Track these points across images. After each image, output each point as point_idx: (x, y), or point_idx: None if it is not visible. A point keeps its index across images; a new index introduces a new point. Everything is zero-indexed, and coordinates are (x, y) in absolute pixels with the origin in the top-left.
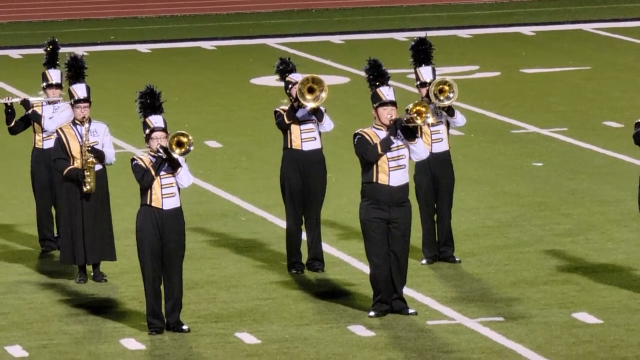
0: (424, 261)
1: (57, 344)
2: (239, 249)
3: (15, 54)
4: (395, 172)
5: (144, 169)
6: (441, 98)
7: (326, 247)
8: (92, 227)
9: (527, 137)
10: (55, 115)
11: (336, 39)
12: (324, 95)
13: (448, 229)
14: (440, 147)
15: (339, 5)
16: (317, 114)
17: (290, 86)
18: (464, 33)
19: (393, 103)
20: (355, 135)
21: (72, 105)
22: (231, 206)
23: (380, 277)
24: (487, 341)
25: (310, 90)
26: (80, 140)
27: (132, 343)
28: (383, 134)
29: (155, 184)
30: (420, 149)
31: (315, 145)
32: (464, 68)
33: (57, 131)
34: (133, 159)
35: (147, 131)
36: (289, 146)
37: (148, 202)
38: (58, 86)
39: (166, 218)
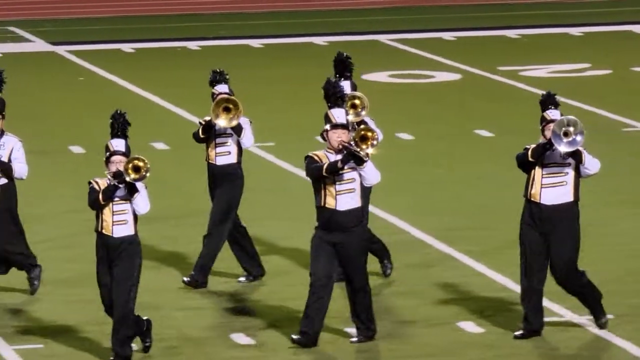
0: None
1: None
2: None
3: (127, 47)
4: (343, 196)
5: (96, 192)
6: (350, 112)
7: (436, 243)
8: None
9: (637, 136)
10: None
11: (448, 35)
12: (234, 122)
13: None
14: None
15: (450, 2)
16: (235, 129)
17: (215, 96)
18: (575, 31)
19: (344, 126)
20: (305, 157)
21: None
22: None
23: (311, 296)
24: (596, 339)
25: (226, 110)
26: None
27: (241, 338)
28: (333, 157)
29: (106, 210)
30: (370, 174)
31: (229, 159)
32: (575, 66)
33: None
34: (89, 182)
35: (107, 154)
36: (206, 159)
37: (99, 229)
38: None
39: (115, 247)
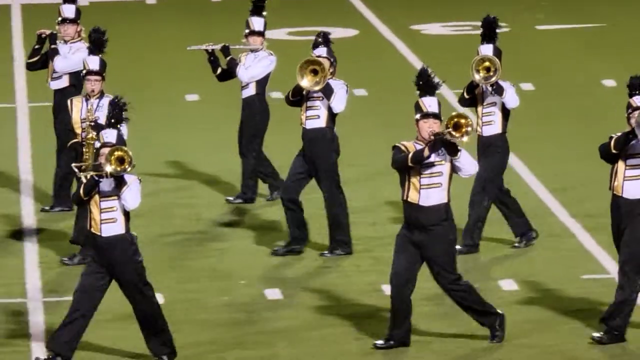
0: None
1: None
2: None
3: None
4: (427, 190)
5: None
6: (481, 74)
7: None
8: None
9: None
10: (253, 64)
11: None
12: (319, 86)
13: (474, 217)
14: (491, 130)
15: None
16: (324, 92)
17: None
18: None
19: (435, 116)
20: (393, 147)
21: (84, 77)
22: None
23: (394, 302)
24: None
25: (314, 72)
26: (82, 114)
27: None
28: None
29: (93, 208)
30: (466, 164)
31: (317, 123)
32: None
33: (68, 101)
34: (78, 177)
35: (98, 145)
36: (300, 123)
37: (88, 227)
38: (260, 34)
39: (105, 247)
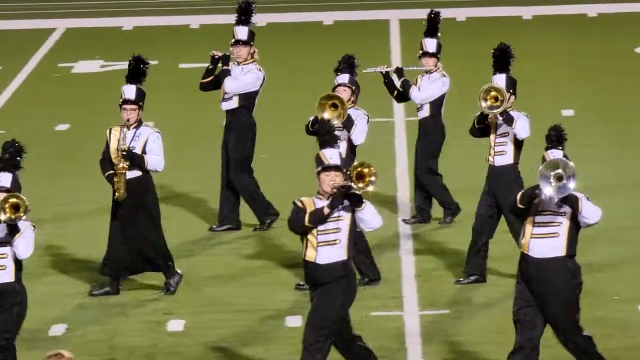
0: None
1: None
2: None
3: None
4: (325, 248)
5: None
6: (488, 102)
7: None
8: (122, 238)
9: None
10: (426, 86)
11: None
12: (339, 120)
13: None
14: (503, 160)
15: None
16: (345, 124)
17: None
18: None
19: (337, 168)
20: (293, 202)
21: (120, 107)
22: None
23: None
24: None
25: (334, 107)
26: (118, 143)
27: None
28: (323, 204)
29: None
30: (370, 217)
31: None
32: None
33: (107, 131)
34: None
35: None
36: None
37: None
38: (433, 55)
39: None
